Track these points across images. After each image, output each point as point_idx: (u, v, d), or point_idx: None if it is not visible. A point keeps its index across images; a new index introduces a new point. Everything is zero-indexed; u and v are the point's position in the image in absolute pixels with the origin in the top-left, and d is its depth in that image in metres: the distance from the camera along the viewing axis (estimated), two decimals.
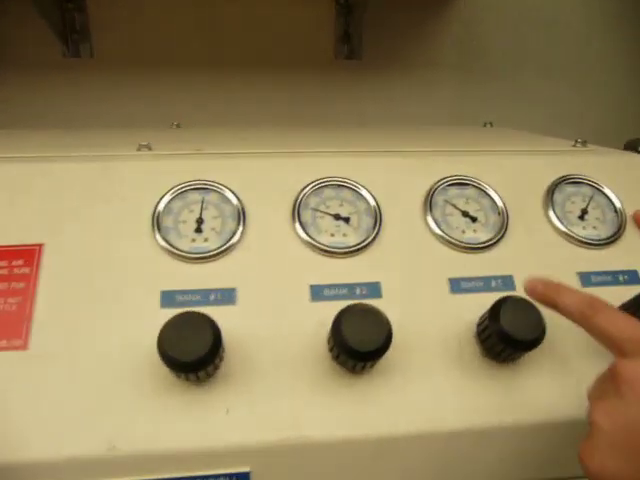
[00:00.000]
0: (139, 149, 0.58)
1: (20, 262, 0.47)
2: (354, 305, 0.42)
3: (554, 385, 0.46)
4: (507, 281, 0.50)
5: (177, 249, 0.49)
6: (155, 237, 0.49)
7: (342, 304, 0.44)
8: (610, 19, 1.24)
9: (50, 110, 1.03)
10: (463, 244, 0.52)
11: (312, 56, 1.11)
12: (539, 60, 1.24)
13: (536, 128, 1.27)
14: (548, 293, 0.43)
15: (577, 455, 0.37)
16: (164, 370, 0.41)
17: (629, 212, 0.56)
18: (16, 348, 0.43)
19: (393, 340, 0.42)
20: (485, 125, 0.95)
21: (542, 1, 1.20)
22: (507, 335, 0.42)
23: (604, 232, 0.55)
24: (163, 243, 0.49)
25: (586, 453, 0.36)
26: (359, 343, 0.40)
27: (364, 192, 0.53)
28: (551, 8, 1.21)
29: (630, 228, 0.55)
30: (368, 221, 0.52)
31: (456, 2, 1.15)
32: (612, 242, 0.54)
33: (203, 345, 0.39)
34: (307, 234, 0.50)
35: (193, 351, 0.39)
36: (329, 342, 0.43)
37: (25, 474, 0.40)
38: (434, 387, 0.45)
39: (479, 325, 0.46)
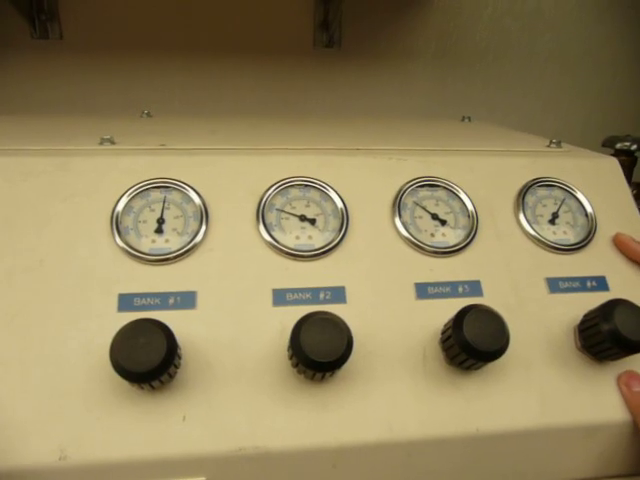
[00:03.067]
0: (101, 143, 0.56)
1: None
2: (313, 313, 0.41)
3: (517, 394, 0.45)
4: (474, 287, 0.50)
5: (136, 250, 0.47)
6: (114, 237, 0.47)
7: (305, 309, 0.43)
8: (593, 9, 1.23)
9: (16, 93, 0.99)
10: (431, 248, 0.51)
11: (290, 44, 1.09)
12: (520, 52, 1.23)
13: (517, 121, 1.27)
14: None
15: None
16: (119, 376, 0.39)
17: (600, 217, 0.55)
18: None
19: (356, 347, 0.41)
20: (463, 119, 0.94)
21: None
22: (470, 346, 0.41)
23: (574, 237, 0.54)
24: (122, 244, 0.47)
25: None
26: (317, 353, 0.39)
27: (331, 192, 0.52)
28: None
29: (600, 233, 0.54)
30: (335, 223, 0.51)
31: None
32: (582, 247, 0.53)
33: (156, 355, 0.38)
34: (271, 236, 0.49)
35: (146, 361, 0.38)
36: (289, 350, 0.42)
37: None
38: (396, 395, 0.44)
39: (443, 333, 0.45)
